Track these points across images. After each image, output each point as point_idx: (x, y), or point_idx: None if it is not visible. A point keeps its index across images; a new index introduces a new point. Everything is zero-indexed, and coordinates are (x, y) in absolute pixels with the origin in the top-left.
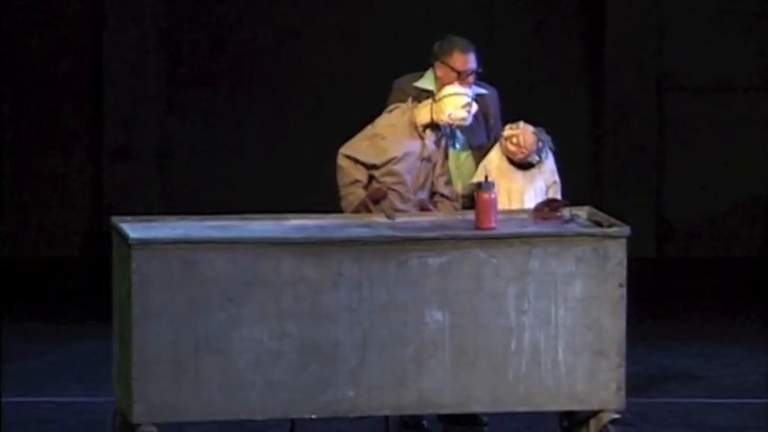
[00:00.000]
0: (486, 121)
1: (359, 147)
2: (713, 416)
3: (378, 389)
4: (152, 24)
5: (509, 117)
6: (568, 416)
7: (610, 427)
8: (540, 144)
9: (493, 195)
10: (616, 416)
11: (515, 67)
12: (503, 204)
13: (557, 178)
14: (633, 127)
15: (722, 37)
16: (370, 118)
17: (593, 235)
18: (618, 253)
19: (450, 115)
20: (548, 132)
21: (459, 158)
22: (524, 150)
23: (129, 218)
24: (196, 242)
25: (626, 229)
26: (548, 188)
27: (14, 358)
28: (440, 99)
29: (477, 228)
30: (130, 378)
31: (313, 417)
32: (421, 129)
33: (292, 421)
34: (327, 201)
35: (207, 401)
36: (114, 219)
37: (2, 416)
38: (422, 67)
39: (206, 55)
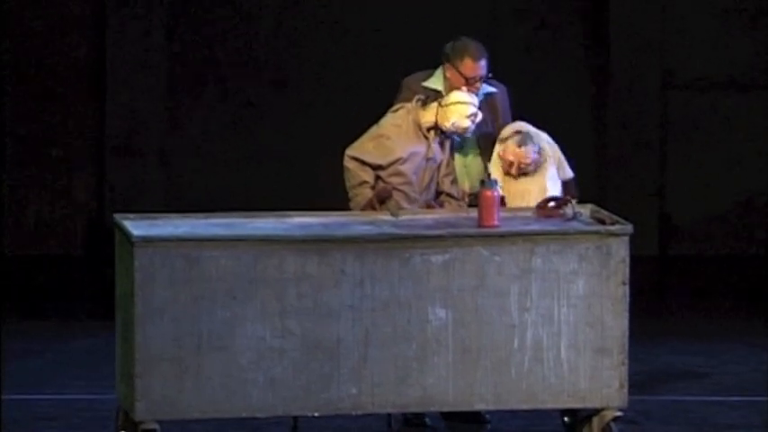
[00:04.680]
0: (496, 120)
1: (364, 148)
2: (715, 414)
3: (380, 386)
4: (155, 22)
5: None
6: (571, 413)
7: (612, 424)
8: (536, 155)
9: (496, 193)
10: (618, 413)
11: (519, 64)
12: (524, 203)
13: (569, 173)
14: (636, 124)
15: (726, 34)
16: (375, 115)
17: (596, 233)
18: (621, 251)
19: (453, 123)
20: (551, 132)
21: (467, 158)
22: (526, 171)
23: (131, 215)
24: (199, 240)
25: (629, 227)
26: (565, 183)
27: (16, 356)
28: (446, 105)
29: (481, 225)
30: (133, 375)
31: (315, 414)
32: (425, 130)
33: (294, 419)
34: (330, 198)
35: (209, 399)
36: (117, 216)
37: (2, 413)
38: (427, 64)
39: (209, 52)
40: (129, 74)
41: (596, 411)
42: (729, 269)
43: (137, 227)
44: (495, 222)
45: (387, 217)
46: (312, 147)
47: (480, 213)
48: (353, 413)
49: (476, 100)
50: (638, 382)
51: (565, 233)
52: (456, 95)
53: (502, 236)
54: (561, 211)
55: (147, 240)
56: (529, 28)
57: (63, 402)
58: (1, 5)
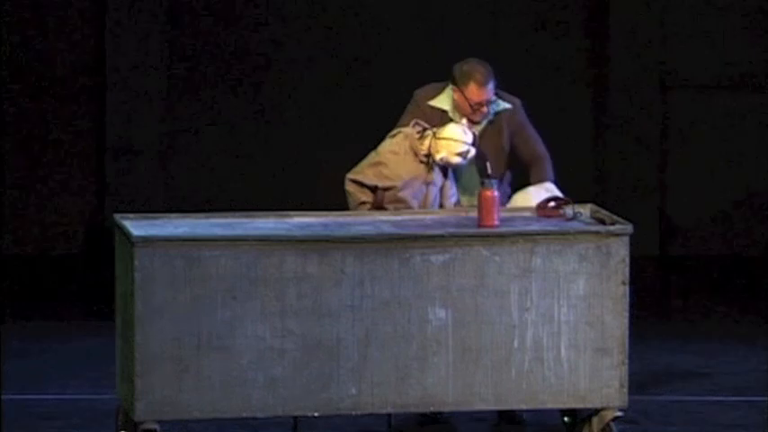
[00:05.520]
0: (500, 139)
1: (364, 174)
2: (715, 413)
3: (380, 386)
4: (154, 22)
5: None
6: (571, 413)
7: (612, 424)
8: None
9: (495, 193)
10: (618, 413)
11: (519, 65)
12: None
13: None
14: (636, 124)
15: (726, 34)
16: (376, 116)
17: (596, 233)
18: (621, 250)
19: (442, 158)
20: (551, 132)
21: (466, 175)
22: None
23: (131, 215)
24: (199, 239)
25: (629, 227)
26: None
27: (16, 356)
28: (439, 138)
29: (481, 225)
30: (133, 375)
31: (315, 414)
32: (422, 156)
33: (295, 418)
34: (330, 198)
35: (209, 399)
36: (117, 216)
37: (2, 413)
38: (427, 64)
39: (208, 53)
40: (129, 73)
41: (596, 411)
42: (729, 269)
43: (137, 227)
44: (495, 222)
45: (387, 217)
46: (312, 147)
47: (480, 213)
48: (353, 413)
49: (470, 138)
50: (638, 382)
51: (565, 233)
52: (450, 131)
53: (502, 236)
54: (561, 211)
55: (147, 240)
56: (529, 28)
57: (63, 402)
58: (0, 5)
